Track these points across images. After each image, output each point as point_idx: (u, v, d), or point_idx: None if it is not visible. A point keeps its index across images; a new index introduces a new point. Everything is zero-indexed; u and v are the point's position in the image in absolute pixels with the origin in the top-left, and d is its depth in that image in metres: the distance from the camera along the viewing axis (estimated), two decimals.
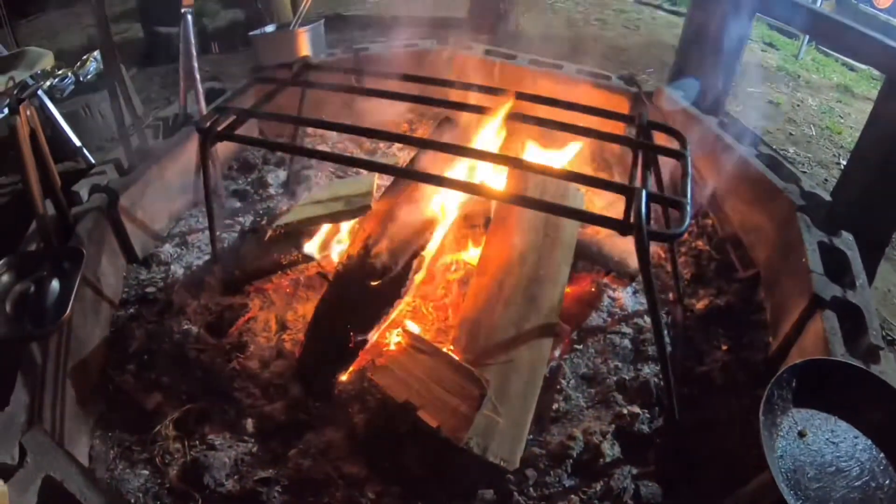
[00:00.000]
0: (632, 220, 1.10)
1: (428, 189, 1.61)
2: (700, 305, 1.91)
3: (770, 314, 1.82)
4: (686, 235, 2.20)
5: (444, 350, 1.54)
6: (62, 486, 1.20)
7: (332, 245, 1.88)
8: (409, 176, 1.45)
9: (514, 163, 1.38)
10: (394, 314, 1.60)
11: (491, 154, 1.41)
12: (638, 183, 1.24)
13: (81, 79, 2.93)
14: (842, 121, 3.81)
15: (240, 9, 4.20)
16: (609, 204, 2.18)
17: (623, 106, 2.49)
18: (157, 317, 1.84)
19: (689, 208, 1.15)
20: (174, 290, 1.92)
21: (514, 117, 1.46)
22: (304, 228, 1.85)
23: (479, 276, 1.70)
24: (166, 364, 1.71)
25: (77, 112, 2.82)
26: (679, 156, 1.33)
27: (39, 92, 2.62)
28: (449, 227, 1.76)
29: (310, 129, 2.71)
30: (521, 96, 1.57)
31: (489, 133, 1.71)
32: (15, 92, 2.02)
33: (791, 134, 3.59)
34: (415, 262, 1.58)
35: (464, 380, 1.40)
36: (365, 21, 4.74)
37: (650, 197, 1.16)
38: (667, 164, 1.55)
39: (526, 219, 1.73)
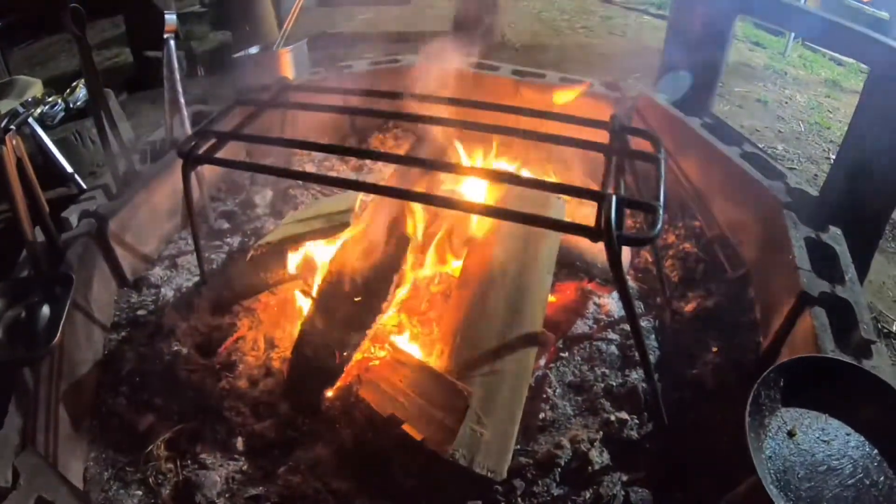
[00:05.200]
0: (602, 226, 1.11)
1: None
2: (689, 308, 1.90)
3: (760, 313, 1.82)
4: (673, 238, 2.20)
5: (428, 363, 1.55)
6: None
7: (315, 262, 1.90)
8: (388, 193, 1.47)
9: (490, 175, 1.39)
10: (375, 328, 1.61)
11: (468, 167, 1.43)
12: (611, 189, 1.24)
13: (71, 105, 2.96)
14: (830, 115, 3.82)
15: (228, 31, 4.25)
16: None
17: (607, 112, 2.50)
18: (148, 339, 1.86)
19: (661, 211, 1.15)
20: (164, 312, 1.93)
21: (486, 128, 1.47)
22: (286, 247, 1.87)
23: (462, 288, 1.71)
24: (158, 385, 1.72)
25: (68, 139, 2.85)
26: (652, 159, 1.34)
27: (30, 120, 2.66)
28: (430, 242, 1.77)
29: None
30: (495, 107, 1.59)
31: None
32: (4, 122, 2.05)
33: (780, 131, 3.60)
34: (395, 276, 1.59)
35: (447, 392, 1.40)
36: (351, 38, 4.80)
37: (622, 202, 1.16)
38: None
39: (506, 229, 1.74)
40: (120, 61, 4.61)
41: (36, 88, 2.88)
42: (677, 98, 2.49)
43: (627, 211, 1.19)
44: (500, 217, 1.25)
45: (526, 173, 2.15)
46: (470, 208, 1.28)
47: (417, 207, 1.70)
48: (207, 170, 2.46)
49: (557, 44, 4.57)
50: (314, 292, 1.71)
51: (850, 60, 4.50)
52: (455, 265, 1.87)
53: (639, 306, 1.90)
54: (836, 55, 4.69)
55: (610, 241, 1.09)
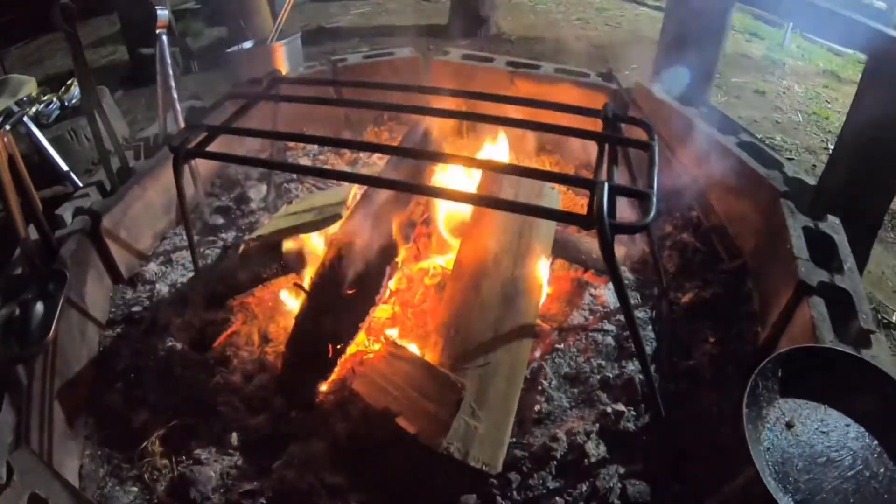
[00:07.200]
0: (594, 214, 1.09)
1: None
2: (686, 298, 1.89)
3: (758, 304, 1.80)
4: (670, 228, 2.19)
5: (422, 356, 1.54)
6: None
7: (308, 256, 1.89)
8: (382, 185, 1.45)
9: (483, 164, 1.38)
10: (368, 321, 1.60)
11: (461, 157, 1.41)
12: (603, 176, 1.23)
13: (67, 104, 2.96)
14: (829, 106, 3.79)
15: (223, 27, 4.25)
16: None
17: (601, 103, 2.48)
18: (142, 335, 1.85)
19: (653, 199, 1.14)
20: (159, 308, 1.93)
21: (476, 118, 1.46)
22: (278, 240, 1.86)
23: (455, 279, 1.69)
24: (152, 381, 1.71)
25: (63, 137, 2.85)
26: (645, 146, 1.32)
27: (25, 118, 2.65)
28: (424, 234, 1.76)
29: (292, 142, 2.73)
30: (487, 97, 1.57)
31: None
32: None
33: (778, 122, 3.58)
34: (388, 269, 1.58)
35: (441, 385, 1.39)
36: (347, 32, 4.79)
37: (614, 190, 1.15)
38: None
39: (500, 220, 1.73)
40: (116, 59, 4.61)
41: (29, 86, 2.87)
42: (681, 86, 2.47)
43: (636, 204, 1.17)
44: (493, 206, 1.24)
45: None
46: (463, 198, 1.27)
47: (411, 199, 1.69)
48: (202, 166, 2.46)
49: (553, 35, 4.55)
50: (307, 286, 1.70)
51: (849, 51, 4.47)
52: (449, 257, 1.85)
53: (635, 297, 1.88)
54: (835, 46, 4.66)
55: (602, 229, 1.08)
